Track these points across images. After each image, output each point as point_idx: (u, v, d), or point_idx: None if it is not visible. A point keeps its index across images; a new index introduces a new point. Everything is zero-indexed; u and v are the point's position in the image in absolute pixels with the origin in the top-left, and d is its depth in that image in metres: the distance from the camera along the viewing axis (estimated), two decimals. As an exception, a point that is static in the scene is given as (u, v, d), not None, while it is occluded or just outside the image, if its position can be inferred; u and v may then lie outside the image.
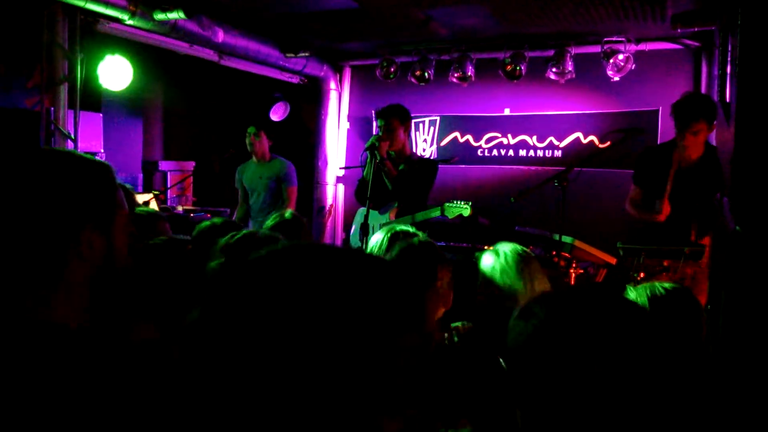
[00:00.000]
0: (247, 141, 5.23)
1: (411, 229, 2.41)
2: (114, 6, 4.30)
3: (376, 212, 4.37)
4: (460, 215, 4.27)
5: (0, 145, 4.36)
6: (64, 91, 4.50)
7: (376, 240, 2.42)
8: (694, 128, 3.46)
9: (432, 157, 6.56)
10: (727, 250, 1.02)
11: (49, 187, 1.05)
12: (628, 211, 3.84)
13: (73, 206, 1.06)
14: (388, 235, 2.36)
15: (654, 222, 3.58)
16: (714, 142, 3.78)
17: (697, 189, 3.53)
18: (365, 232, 4.12)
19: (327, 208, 6.72)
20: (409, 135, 4.53)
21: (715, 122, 3.41)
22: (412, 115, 6.58)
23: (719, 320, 1.18)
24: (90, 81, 4.94)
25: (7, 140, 4.58)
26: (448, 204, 4.17)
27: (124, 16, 4.41)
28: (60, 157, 1.11)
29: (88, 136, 5.98)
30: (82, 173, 1.10)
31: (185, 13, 4.52)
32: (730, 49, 1.16)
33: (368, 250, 2.48)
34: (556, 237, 3.74)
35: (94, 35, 4.76)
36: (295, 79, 6.71)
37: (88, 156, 1.18)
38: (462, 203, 4.20)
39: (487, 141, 6.36)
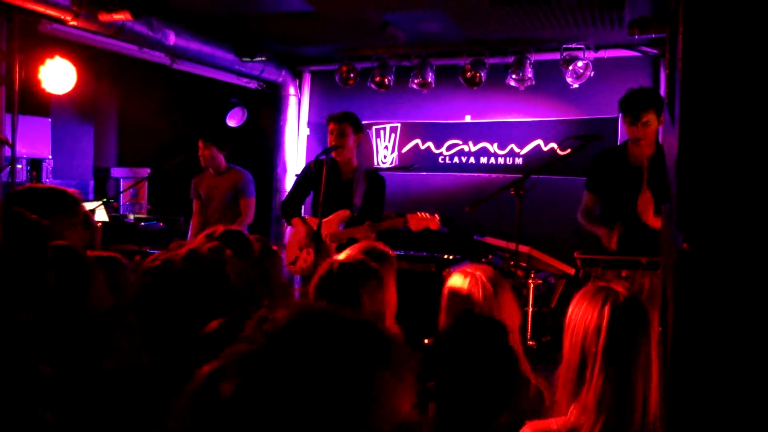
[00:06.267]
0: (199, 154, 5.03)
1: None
2: (55, 5, 4.10)
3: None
4: (426, 227, 4.12)
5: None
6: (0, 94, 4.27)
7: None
8: (643, 118, 3.42)
9: (393, 164, 6.46)
10: (673, 269, 0.92)
11: None
12: (580, 222, 3.73)
13: None
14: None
15: (604, 231, 3.49)
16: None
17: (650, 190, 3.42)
18: (318, 240, 3.98)
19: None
20: (358, 147, 4.40)
21: (663, 116, 3.35)
22: (374, 121, 6.54)
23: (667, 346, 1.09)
24: (37, 85, 4.72)
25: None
26: (412, 216, 4.02)
27: (67, 17, 4.21)
28: None
29: (34, 142, 5.74)
30: None
31: (132, 15, 4.33)
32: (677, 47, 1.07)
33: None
34: (513, 246, 3.65)
35: (37, 37, 4.54)
36: (253, 84, 6.55)
37: None
38: (428, 215, 4.06)
39: (449, 148, 6.28)
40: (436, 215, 4.06)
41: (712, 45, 0.94)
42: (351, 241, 3.78)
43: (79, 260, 1.77)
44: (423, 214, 4.04)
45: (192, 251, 1.68)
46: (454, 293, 2.10)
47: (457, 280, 2.12)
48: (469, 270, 2.13)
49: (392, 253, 2.36)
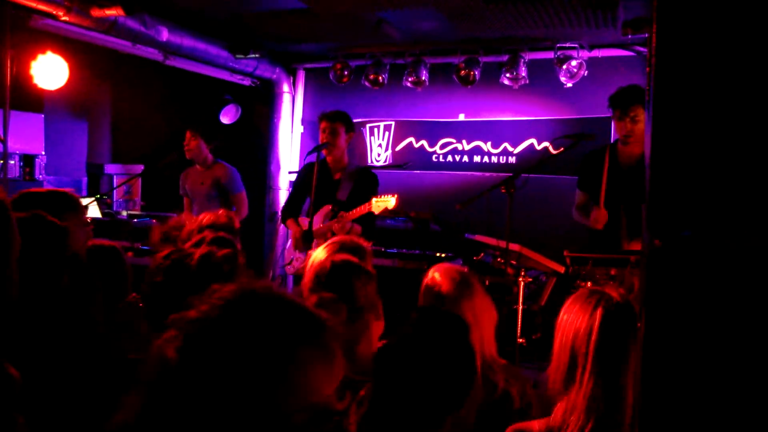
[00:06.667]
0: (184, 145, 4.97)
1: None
2: (47, 0, 4.09)
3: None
4: (386, 208, 4.07)
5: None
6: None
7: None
8: (631, 112, 3.44)
9: (387, 162, 6.46)
10: (645, 267, 0.93)
11: None
12: (575, 218, 3.77)
13: None
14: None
15: (595, 228, 3.53)
16: None
17: (637, 191, 3.44)
18: (308, 239, 3.98)
19: (279, 214, 6.56)
20: (350, 146, 4.38)
21: None
22: (368, 119, 6.53)
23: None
24: (29, 81, 4.71)
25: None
26: (375, 199, 3.98)
27: (59, 12, 4.20)
28: None
29: (27, 138, 5.72)
30: None
31: (125, 10, 4.33)
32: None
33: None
34: (504, 245, 3.66)
35: (29, 32, 4.53)
36: (247, 81, 6.54)
37: None
38: (387, 196, 4.01)
39: (442, 146, 6.28)
40: (394, 195, 3.97)
41: (685, 44, 0.95)
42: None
43: (84, 266, 1.83)
44: (383, 195, 3.98)
45: (206, 256, 1.77)
46: (428, 288, 2.10)
47: (430, 281, 2.13)
48: (438, 273, 2.11)
49: (366, 243, 2.35)
